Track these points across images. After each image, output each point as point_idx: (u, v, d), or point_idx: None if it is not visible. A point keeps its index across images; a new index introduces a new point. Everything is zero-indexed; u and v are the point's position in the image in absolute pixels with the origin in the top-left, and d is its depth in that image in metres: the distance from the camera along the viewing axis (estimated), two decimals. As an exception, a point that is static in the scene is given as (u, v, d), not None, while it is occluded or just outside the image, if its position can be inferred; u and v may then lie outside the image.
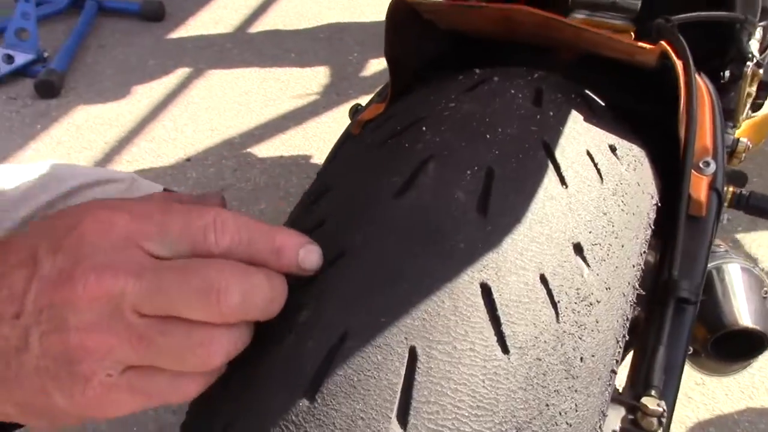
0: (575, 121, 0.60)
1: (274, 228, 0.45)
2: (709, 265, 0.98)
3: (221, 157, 2.15)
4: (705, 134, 0.78)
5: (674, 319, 0.75)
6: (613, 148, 0.61)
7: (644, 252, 0.59)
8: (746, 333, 0.96)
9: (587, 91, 0.69)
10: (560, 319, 0.48)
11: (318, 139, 2.22)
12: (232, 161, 2.14)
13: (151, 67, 2.57)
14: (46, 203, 0.84)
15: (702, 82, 0.80)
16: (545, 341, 0.47)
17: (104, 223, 0.42)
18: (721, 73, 0.95)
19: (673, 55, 0.64)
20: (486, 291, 0.47)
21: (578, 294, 0.49)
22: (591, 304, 0.50)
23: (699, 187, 0.76)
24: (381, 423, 0.41)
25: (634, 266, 0.56)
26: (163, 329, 0.40)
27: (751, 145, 0.93)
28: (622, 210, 0.56)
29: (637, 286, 0.56)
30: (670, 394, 0.74)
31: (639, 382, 0.70)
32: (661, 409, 0.63)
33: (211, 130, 2.25)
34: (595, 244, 0.52)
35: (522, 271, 0.48)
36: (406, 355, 0.44)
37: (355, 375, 0.43)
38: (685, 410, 1.49)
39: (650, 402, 0.63)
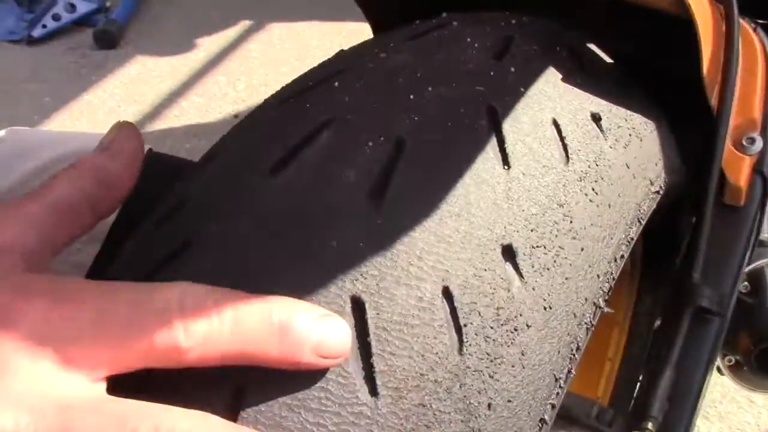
0: (547, 81, 0.46)
1: (269, 298, 0.32)
2: (760, 262, 0.81)
3: (271, 115, 2.06)
4: (753, 104, 0.62)
5: (691, 333, 0.61)
6: (596, 117, 0.46)
7: (622, 256, 0.45)
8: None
9: (590, 45, 0.55)
10: (464, 349, 0.35)
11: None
12: (281, 119, 2.05)
13: (214, 19, 2.50)
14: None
15: (755, 37, 0.63)
16: (436, 381, 0.34)
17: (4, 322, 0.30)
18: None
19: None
20: (358, 308, 0.34)
21: (497, 316, 0.36)
22: (516, 330, 0.36)
23: (739, 169, 0.61)
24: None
25: (599, 276, 0.42)
26: None
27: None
28: (590, 200, 0.42)
29: (602, 303, 0.43)
30: (677, 427, 0.59)
31: (635, 412, 0.56)
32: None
33: (264, 86, 2.16)
34: (537, 247, 0.38)
35: (416, 282, 0.35)
36: (229, 396, 0.32)
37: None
38: None
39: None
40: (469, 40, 0.47)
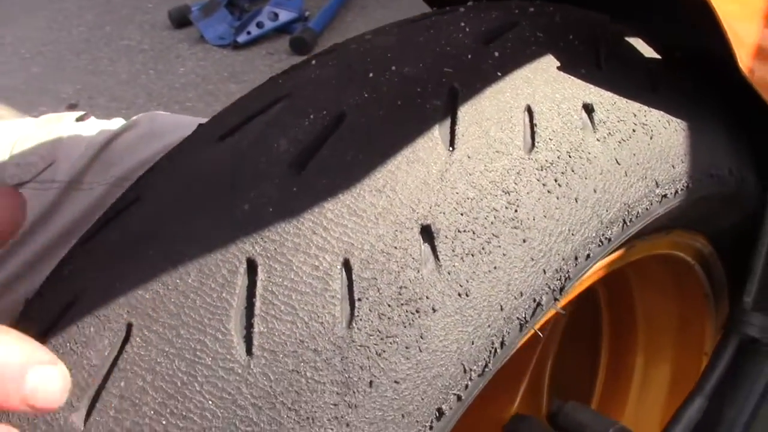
0: (536, 68, 0.44)
1: None
2: None
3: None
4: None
5: (738, 364, 0.54)
6: (588, 108, 0.43)
7: (588, 256, 0.41)
8: None
9: (632, 39, 0.51)
10: (354, 324, 0.34)
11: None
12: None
13: (403, 29, 2.57)
14: (138, 162, 0.82)
15: None
16: (315, 350, 0.34)
17: None
18: None
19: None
20: (252, 270, 0.35)
21: (399, 294, 0.35)
22: (417, 312, 0.35)
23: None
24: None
25: (544, 271, 0.39)
26: None
27: None
28: (548, 191, 0.39)
29: (547, 301, 0.40)
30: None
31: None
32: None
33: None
34: (464, 232, 0.37)
35: (317, 251, 0.35)
36: (123, 333, 0.35)
37: (69, 342, 0.35)
38: None
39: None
40: (462, 24, 0.46)
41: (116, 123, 0.82)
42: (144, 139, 0.81)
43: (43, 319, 0.36)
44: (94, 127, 0.80)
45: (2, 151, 0.76)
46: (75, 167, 0.75)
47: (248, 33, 2.59)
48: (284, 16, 2.61)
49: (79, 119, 0.81)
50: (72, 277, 0.38)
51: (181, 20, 2.72)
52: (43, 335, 0.35)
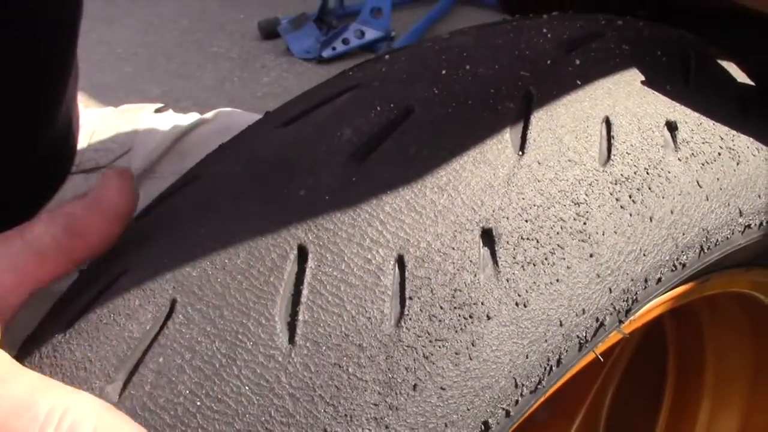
0: (618, 80, 0.42)
1: None
2: None
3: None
4: None
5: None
6: (671, 126, 0.41)
7: (660, 280, 0.39)
8: None
9: (725, 62, 0.49)
10: (403, 322, 0.33)
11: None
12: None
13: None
14: None
15: None
16: (360, 345, 0.32)
17: None
18: None
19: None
20: (301, 255, 0.34)
21: (453, 297, 0.34)
22: (471, 317, 0.34)
23: None
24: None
25: (610, 290, 0.37)
26: None
27: None
28: (621, 207, 0.37)
29: (611, 322, 0.37)
30: None
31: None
32: None
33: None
34: (527, 239, 0.35)
35: (371, 244, 0.34)
36: (167, 308, 0.34)
37: (113, 314, 0.35)
38: None
39: None
40: (544, 30, 0.44)
41: (192, 117, 0.83)
42: (218, 134, 0.82)
43: (91, 288, 0.36)
44: (171, 119, 0.81)
45: (82, 138, 0.78)
46: (150, 156, 0.76)
47: (333, 48, 2.62)
48: (370, 34, 2.63)
49: (158, 111, 0.82)
50: (124, 249, 0.37)
51: (269, 32, 2.77)
52: (89, 304, 0.35)
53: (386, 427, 0.32)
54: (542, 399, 0.38)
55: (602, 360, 0.40)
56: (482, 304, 0.34)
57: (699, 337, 0.65)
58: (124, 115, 0.80)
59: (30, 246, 0.35)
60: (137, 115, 0.80)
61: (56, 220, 0.36)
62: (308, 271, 0.34)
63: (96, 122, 0.79)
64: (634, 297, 0.38)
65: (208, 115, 0.82)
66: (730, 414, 0.64)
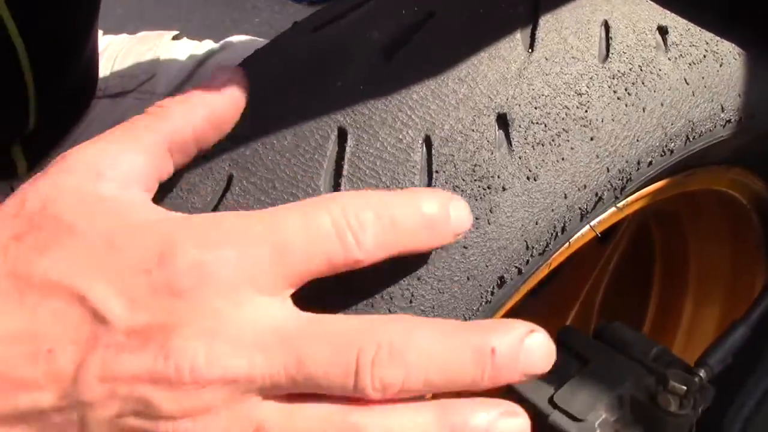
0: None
1: (413, 192, 0.34)
2: None
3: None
4: None
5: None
6: (662, 30, 0.46)
7: (651, 163, 0.44)
8: None
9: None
10: (430, 192, 0.38)
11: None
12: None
13: None
14: None
15: None
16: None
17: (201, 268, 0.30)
18: None
19: None
20: (341, 136, 0.39)
21: (473, 171, 0.39)
22: (489, 188, 0.39)
23: None
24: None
25: (608, 170, 0.42)
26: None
27: None
28: (618, 98, 0.42)
29: (608, 198, 0.43)
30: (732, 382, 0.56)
31: (698, 359, 0.54)
32: (684, 388, 0.49)
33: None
34: (537, 123, 0.40)
35: (402, 126, 0.39)
36: (224, 183, 0.39)
37: (176, 189, 0.40)
38: None
39: (675, 377, 0.49)
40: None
41: (207, 45, 0.88)
42: (237, 59, 0.87)
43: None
44: (188, 46, 0.85)
45: (106, 64, 0.82)
46: (173, 82, 0.81)
47: (324, -10, 2.63)
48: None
49: (175, 38, 0.86)
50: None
51: (260, -26, 2.77)
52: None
53: (418, 279, 0.38)
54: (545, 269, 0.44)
55: (599, 235, 0.46)
56: (498, 177, 0.39)
57: (683, 240, 0.71)
58: (145, 42, 0.84)
59: (165, 137, 0.37)
60: (157, 42, 0.84)
61: (195, 109, 0.38)
62: (348, 149, 0.39)
63: (116, 49, 0.83)
64: (629, 176, 0.43)
65: (226, 41, 0.86)
66: (712, 308, 0.70)
